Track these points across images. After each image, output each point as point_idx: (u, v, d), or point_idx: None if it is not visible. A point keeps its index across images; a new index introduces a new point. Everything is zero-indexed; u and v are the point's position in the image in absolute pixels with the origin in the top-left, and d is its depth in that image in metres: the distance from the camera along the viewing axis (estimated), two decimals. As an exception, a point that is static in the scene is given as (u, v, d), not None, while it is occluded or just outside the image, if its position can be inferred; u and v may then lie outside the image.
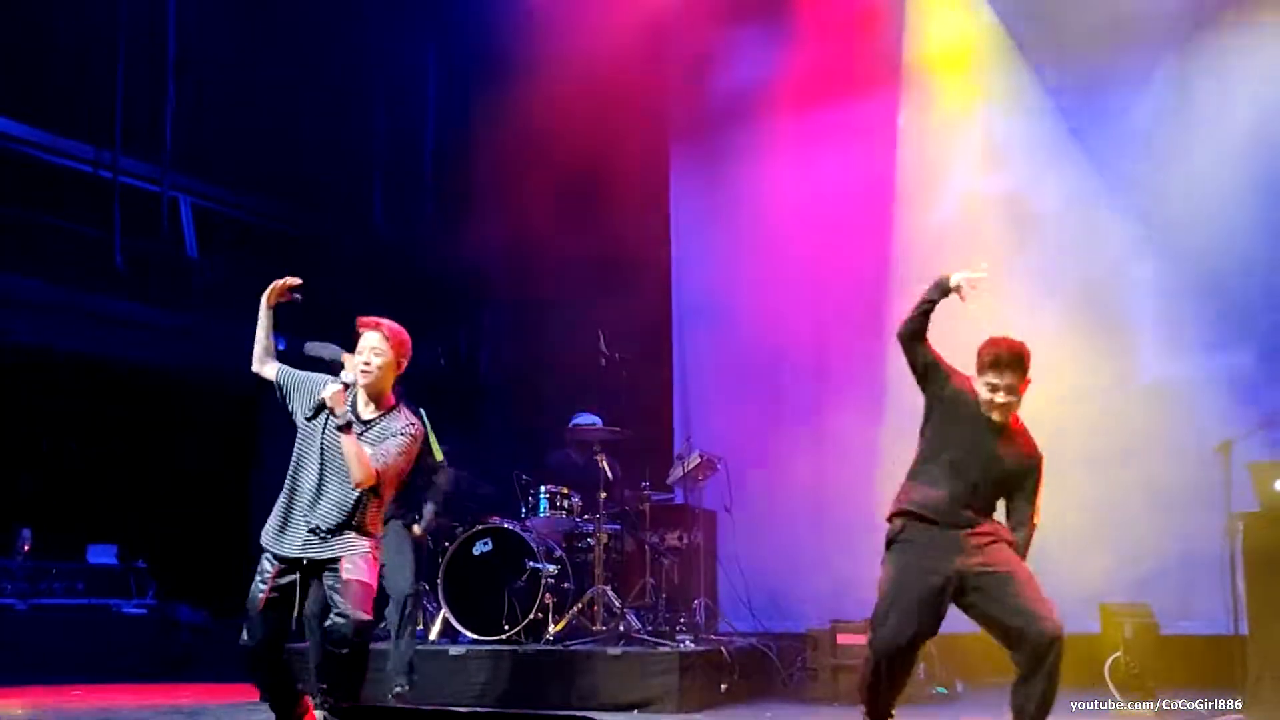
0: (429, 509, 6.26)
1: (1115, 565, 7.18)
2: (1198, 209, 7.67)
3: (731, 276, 9.15)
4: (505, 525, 6.92)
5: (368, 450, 4.48)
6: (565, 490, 7.44)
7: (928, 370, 4.39)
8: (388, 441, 4.56)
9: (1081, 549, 6.93)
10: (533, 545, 6.85)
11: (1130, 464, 7.43)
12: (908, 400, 8.32)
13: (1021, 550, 4.30)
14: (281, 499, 4.59)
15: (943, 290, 4.32)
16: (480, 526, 6.96)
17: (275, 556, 4.52)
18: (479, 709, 6.13)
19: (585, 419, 7.79)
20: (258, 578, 4.52)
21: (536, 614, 6.75)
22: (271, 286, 4.69)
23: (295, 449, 4.62)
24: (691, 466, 7.67)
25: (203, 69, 9.46)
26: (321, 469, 4.52)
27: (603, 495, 7.14)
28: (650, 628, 6.95)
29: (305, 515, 4.50)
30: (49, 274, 8.68)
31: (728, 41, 8.85)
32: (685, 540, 7.59)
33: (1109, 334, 7.70)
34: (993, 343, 4.29)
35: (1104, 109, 8.00)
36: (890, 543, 4.39)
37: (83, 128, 8.98)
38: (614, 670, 6.31)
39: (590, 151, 8.64)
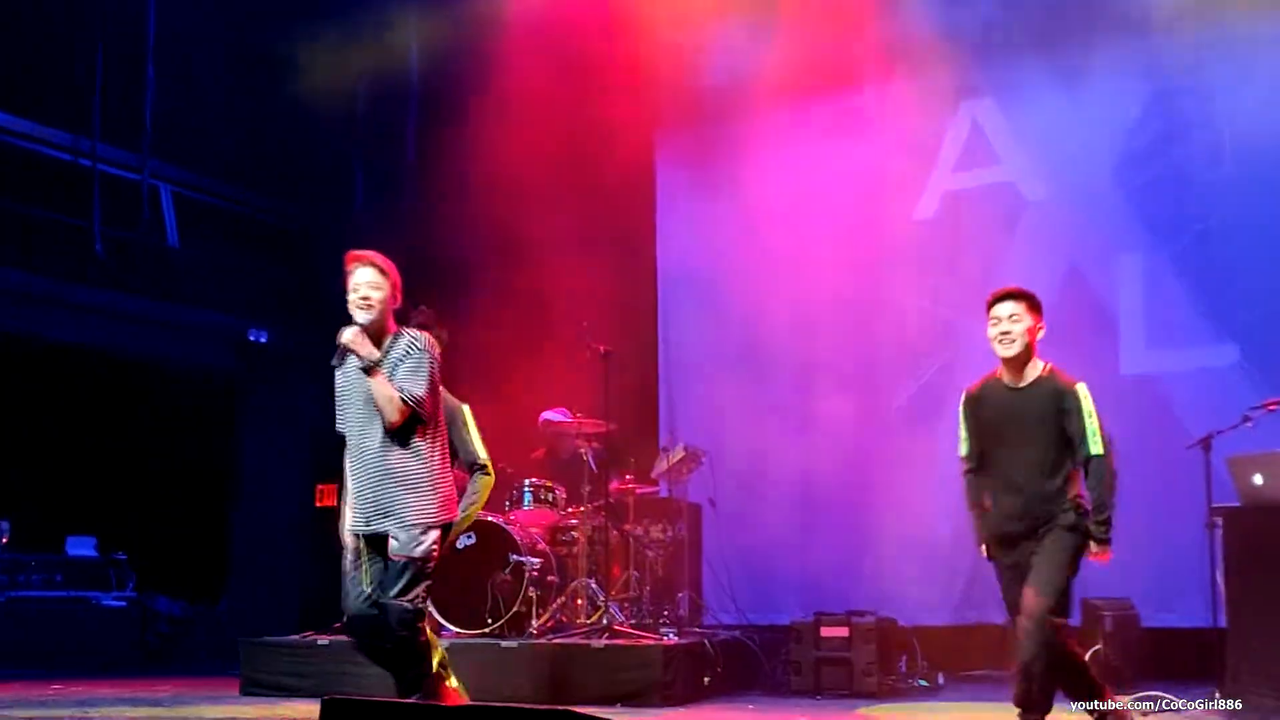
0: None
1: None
2: (1182, 204, 7.69)
3: (717, 269, 9.11)
4: (489, 519, 6.89)
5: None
6: (549, 483, 7.42)
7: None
8: (397, 372, 4.50)
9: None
10: (516, 539, 6.83)
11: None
12: (893, 395, 8.46)
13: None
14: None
15: None
16: (464, 519, 6.94)
17: None
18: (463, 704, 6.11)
19: (554, 415, 7.76)
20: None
21: (520, 607, 6.74)
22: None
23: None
24: (676, 460, 7.67)
25: (182, 56, 9.37)
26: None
27: (587, 488, 7.14)
28: (634, 621, 6.95)
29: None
30: (28, 263, 8.61)
31: (715, 32, 8.80)
32: (669, 533, 7.58)
33: (1091, 329, 7.72)
34: (992, 291, 4.68)
35: (1089, 101, 8.00)
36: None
37: (61, 115, 8.90)
38: (598, 664, 6.31)
39: (576, 142, 8.60)
